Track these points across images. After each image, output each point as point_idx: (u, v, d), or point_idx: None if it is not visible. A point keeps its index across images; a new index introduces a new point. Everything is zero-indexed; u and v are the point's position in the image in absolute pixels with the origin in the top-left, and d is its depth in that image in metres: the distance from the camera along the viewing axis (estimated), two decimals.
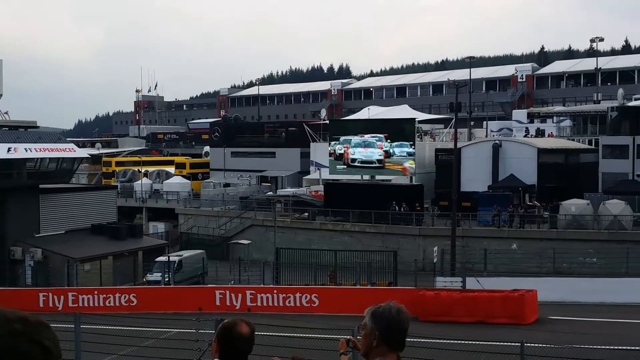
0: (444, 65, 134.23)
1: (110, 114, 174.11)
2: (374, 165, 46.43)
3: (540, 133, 59.40)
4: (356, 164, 47.04)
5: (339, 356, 3.70)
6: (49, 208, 38.16)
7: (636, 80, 74.87)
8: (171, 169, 67.36)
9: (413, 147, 46.33)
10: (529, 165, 45.44)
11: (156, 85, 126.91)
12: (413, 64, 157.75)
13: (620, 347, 16.50)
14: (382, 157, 45.94)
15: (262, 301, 25.21)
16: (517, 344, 12.21)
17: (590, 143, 53.81)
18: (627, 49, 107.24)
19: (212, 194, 56.01)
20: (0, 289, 30.22)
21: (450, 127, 54.78)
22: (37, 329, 1.53)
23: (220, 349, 3.10)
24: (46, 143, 37.52)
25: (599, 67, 70.41)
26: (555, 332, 19.79)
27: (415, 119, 53.78)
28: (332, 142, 48.82)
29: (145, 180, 61.75)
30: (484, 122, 68.38)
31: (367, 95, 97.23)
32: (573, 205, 38.45)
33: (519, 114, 65.92)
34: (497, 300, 22.66)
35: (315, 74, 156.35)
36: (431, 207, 43.82)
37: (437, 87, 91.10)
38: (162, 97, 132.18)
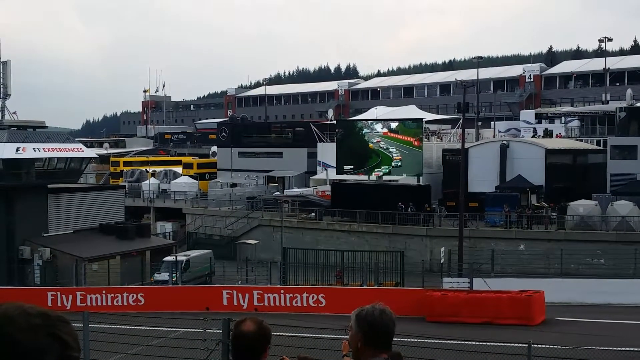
0: (451, 65, 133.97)
1: (118, 114, 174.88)
2: None
3: (548, 133, 59.18)
4: None
5: (341, 358, 3.72)
6: (57, 208, 38.35)
7: None
8: (179, 169, 67.57)
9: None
10: (536, 166, 45.29)
11: (164, 86, 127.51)
12: (420, 64, 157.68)
13: (628, 349, 16.43)
14: None
15: (269, 301, 25.25)
16: (524, 345, 12.18)
17: (598, 144, 53.58)
18: (636, 49, 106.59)
19: (220, 194, 56.14)
20: (9, 288, 30.40)
21: (458, 128, 54.66)
22: (56, 324, 1.56)
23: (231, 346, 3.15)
24: (54, 143, 37.72)
25: (607, 67, 70.06)
26: (562, 333, 19.71)
27: (422, 119, 53.69)
28: None
29: (152, 180, 61.98)
30: (492, 123, 68.19)
31: (375, 96, 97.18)
32: (581, 206, 38.31)
33: (527, 114, 65.72)
34: (505, 301, 22.60)
35: (323, 74, 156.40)
36: (438, 208, 43.75)
37: (445, 87, 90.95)
38: (170, 97, 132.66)
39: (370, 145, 47.37)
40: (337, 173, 50.58)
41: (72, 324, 1.60)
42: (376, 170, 46.24)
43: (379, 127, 46.45)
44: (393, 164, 45.48)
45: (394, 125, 46.13)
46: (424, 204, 42.32)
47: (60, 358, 1.54)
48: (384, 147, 45.67)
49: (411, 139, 45.83)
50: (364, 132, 47.87)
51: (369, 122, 50.76)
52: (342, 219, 44.23)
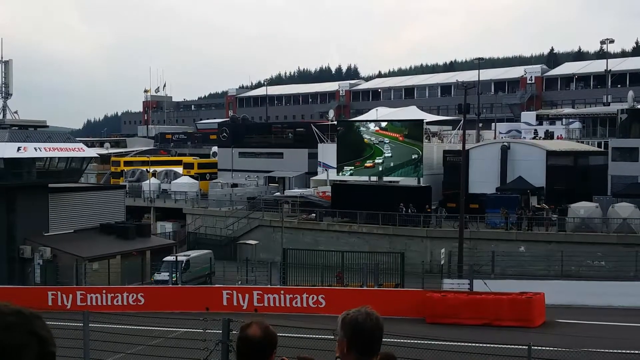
0: (452, 67, 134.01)
1: (119, 113, 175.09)
2: None
3: (549, 135, 59.17)
4: None
5: (335, 359, 3.70)
6: (58, 207, 38.37)
7: None
8: (179, 169, 67.59)
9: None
10: (537, 168, 45.27)
11: (165, 86, 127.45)
12: (421, 65, 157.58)
13: (628, 351, 16.42)
14: None
15: (269, 301, 25.25)
16: (524, 347, 12.16)
17: (599, 145, 53.56)
18: (637, 51, 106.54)
19: (220, 194, 56.16)
20: (9, 287, 30.43)
21: (459, 129, 54.67)
22: (32, 321, 1.57)
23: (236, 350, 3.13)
24: (55, 142, 37.72)
25: (609, 69, 70.03)
26: (562, 335, 19.71)
27: (423, 120, 53.78)
28: None
29: (153, 180, 62.00)
30: (493, 124, 68.20)
31: (375, 96, 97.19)
32: (582, 208, 38.29)
33: (528, 116, 65.70)
34: (505, 302, 22.58)
35: (324, 74, 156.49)
36: (439, 209, 43.79)
37: (446, 88, 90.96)
38: (171, 97, 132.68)
39: (365, 140, 50.57)
40: (337, 165, 50.97)
41: (44, 319, 1.62)
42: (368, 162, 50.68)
43: (372, 125, 51.94)
44: (379, 159, 50.11)
45: (383, 124, 51.53)
46: (425, 205, 42.32)
47: (39, 354, 1.54)
48: (376, 141, 50.62)
49: (396, 135, 49.42)
50: (360, 129, 51.96)
51: (365, 122, 55.48)
52: (343, 220, 44.24)
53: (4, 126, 37.76)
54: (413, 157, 48.17)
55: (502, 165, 46.57)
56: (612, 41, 68.96)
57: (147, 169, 65.07)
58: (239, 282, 32.98)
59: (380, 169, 49.37)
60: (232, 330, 12.37)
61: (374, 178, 49.08)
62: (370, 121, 54.87)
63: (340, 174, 50.43)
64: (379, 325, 2.89)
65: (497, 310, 22.32)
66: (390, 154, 49.56)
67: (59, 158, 37.92)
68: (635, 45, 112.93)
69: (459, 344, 14.80)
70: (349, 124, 55.99)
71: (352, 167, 50.64)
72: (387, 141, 49.69)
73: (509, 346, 14.58)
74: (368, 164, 49.92)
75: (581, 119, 61.48)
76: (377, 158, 50.17)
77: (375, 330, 2.87)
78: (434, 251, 37.86)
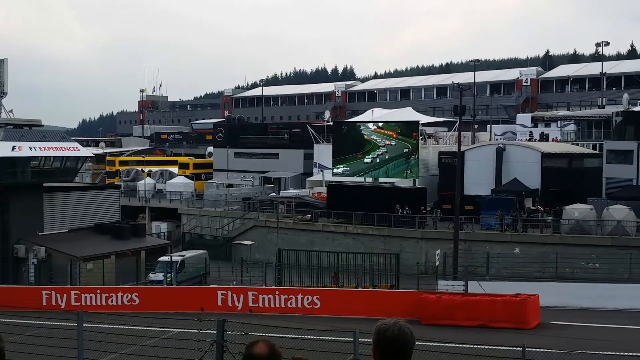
0: (448, 68, 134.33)
1: (115, 113, 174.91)
2: None
3: (544, 137, 59.31)
4: None
5: None
6: (53, 207, 38.26)
7: None
8: (174, 169, 67.50)
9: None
10: (532, 170, 45.39)
11: (160, 85, 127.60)
12: (417, 66, 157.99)
13: (621, 353, 16.47)
14: None
15: (264, 302, 25.21)
16: (518, 348, 12.18)
17: (594, 148, 53.73)
18: (632, 54, 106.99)
19: (215, 195, 56.13)
20: (3, 286, 30.31)
21: (454, 130, 54.76)
22: None
23: None
24: (50, 142, 37.60)
25: (604, 72, 70.30)
26: (557, 337, 19.74)
27: (419, 121, 53.88)
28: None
29: (148, 180, 61.89)
30: (488, 126, 68.32)
31: (371, 97, 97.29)
32: (576, 210, 38.38)
33: (523, 118, 65.85)
34: (499, 304, 22.60)
35: (320, 75, 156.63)
36: (434, 210, 43.85)
37: (441, 89, 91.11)
38: (166, 97, 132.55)
39: (365, 137, 51.69)
40: (334, 159, 50.94)
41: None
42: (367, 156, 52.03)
43: (370, 125, 54.02)
44: (379, 152, 51.60)
45: (380, 124, 53.42)
46: (420, 207, 42.37)
47: None
48: (380, 142, 52.07)
49: (391, 133, 50.72)
50: (360, 128, 53.28)
51: (361, 123, 56.48)
52: (338, 221, 44.23)
53: None
54: (404, 152, 48.89)
55: (497, 167, 46.67)
56: (607, 44, 69.25)
57: (142, 169, 64.95)
58: (234, 282, 32.96)
59: (378, 160, 50.14)
60: (226, 330, 12.36)
61: (369, 179, 49.13)
62: (366, 122, 55.46)
63: (339, 166, 51.07)
64: (403, 335, 2.90)
65: (492, 312, 22.33)
66: (385, 149, 50.49)
67: (54, 157, 37.80)
68: (630, 48, 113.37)
69: (454, 345, 14.82)
70: (351, 124, 56.46)
71: (350, 162, 51.23)
72: (384, 138, 50.74)
73: (503, 347, 14.59)
74: (367, 159, 50.63)
75: (576, 121, 61.66)
76: (374, 152, 51.14)
77: (397, 339, 2.89)
78: (429, 252, 37.91)
